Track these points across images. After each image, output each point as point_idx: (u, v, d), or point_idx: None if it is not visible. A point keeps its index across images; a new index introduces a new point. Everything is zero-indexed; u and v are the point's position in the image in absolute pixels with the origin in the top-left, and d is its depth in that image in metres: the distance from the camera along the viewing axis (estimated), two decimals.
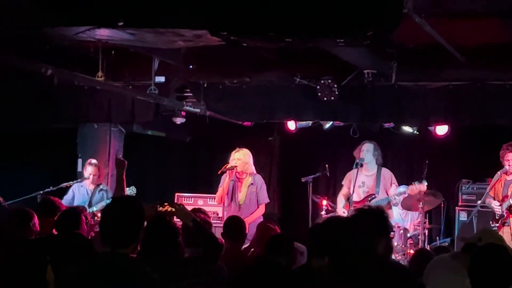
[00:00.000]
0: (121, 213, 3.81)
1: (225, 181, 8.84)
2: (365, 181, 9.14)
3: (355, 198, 9.09)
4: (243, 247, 6.68)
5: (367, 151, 9.12)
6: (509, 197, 8.25)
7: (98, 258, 3.81)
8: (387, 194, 9.06)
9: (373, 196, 9.05)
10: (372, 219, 4.39)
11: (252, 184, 8.89)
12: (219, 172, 8.87)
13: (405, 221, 10.11)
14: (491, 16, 7.15)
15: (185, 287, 4.66)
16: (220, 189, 8.96)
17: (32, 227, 6.07)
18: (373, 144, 9.22)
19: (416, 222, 10.00)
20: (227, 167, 8.77)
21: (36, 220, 6.13)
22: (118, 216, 3.81)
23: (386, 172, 9.23)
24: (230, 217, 6.78)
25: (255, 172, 9.05)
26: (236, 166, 8.77)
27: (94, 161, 9.58)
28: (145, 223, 4.97)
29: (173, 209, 5.06)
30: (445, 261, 4.79)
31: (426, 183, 8.93)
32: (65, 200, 9.16)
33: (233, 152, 8.93)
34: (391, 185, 9.13)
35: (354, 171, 9.09)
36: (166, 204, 5.11)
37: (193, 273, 4.72)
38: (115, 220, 3.79)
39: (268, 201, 9.11)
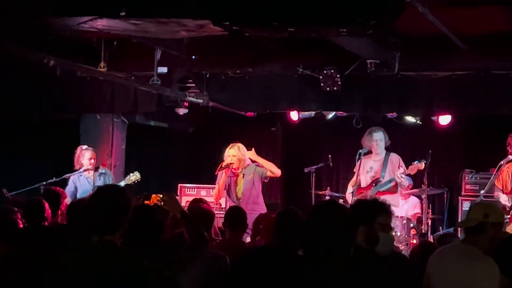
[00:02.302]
0: (107, 201, 3.85)
1: (221, 178, 8.82)
2: (373, 166, 9.14)
3: (363, 184, 9.12)
4: (248, 241, 6.67)
5: (380, 141, 9.08)
6: None
7: (87, 246, 3.82)
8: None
9: (379, 180, 9.06)
10: (352, 209, 4.36)
11: (244, 174, 8.82)
12: (216, 173, 8.83)
13: (403, 209, 10.04)
14: (494, 4, 7.13)
15: (167, 277, 4.64)
16: (216, 187, 8.95)
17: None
18: (381, 131, 9.16)
19: (412, 213, 9.98)
20: (223, 165, 8.74)
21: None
22: (104, 204, 3.84)
23: (394, 156, 9.20)
24: (231, 207, 6.80)
25: (249, 161, 8.96)
26: (232, 163, 8.73)
27: (85, 146, 9.49)
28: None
29: (161, 202, 5.06)
30: (458, 247, 4.73)
31: (424, 162, 8.94)
32: (68, 193, 9.14)
33: (227, 149, 8.83)
34: (399, 167, 9.11)
35: (367, 157, 9.14)
36: (152, 196, 5.12)
37: (179, 263, 4.70)
38: (102, 208, 3.82)
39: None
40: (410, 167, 9.00)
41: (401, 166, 9.10)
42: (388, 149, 9.27)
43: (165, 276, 4.56)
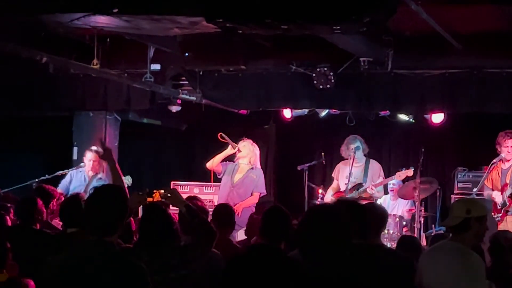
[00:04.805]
0: (106, 202, 3.80)
1: (225, 151, 9.17)
2: (353, 171, 9.25)
3: (342, 188, 9.31)
4: (242, 238, 6.69)
5: (357, 150, 9.22)
6: (508, 185, 8.20)
7: (84, 247, 3.78)
8: None
9: (361, 185, 9.18)
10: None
11: (252, 169, 9.06)
12: (219, 136, 9.16)
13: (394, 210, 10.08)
14: (488, 3, 7.13)
15: (184, 276, 4.61)
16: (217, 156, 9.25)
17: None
18: (358, 138, 9.40)
19: (406, 209, 10.01)
20: (233, 144, 9.05)
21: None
22: (103, 204, 3.79)
23: (375, 164, 9.44)
24: (219, 205, 6.78)
25: (259, 166, 9.29)
26: (239, 148, 9.06)
27: (94, 147, 9.45)
28: (140, 212, 4.96)
29: (164, 199, 4.99)
30: (446, 245, 4.77)
31: (412, 169, 9.10)
32: (62, 184, 9.16)
33: (241, 142, 9.21)
34: (378, 177, 9.26)
35: (345, 163, 9.33)
36: (155, 191, 5.05)
37: (190, 261, 4.68)
38: (101, 209, 3.77)
39: (265, 192, 9.29)
40: (398, 173, 9.23)
41: (380, 176, 9.33)
42: (366, 156, 9.48)
43: (171, 276, 4.53)
